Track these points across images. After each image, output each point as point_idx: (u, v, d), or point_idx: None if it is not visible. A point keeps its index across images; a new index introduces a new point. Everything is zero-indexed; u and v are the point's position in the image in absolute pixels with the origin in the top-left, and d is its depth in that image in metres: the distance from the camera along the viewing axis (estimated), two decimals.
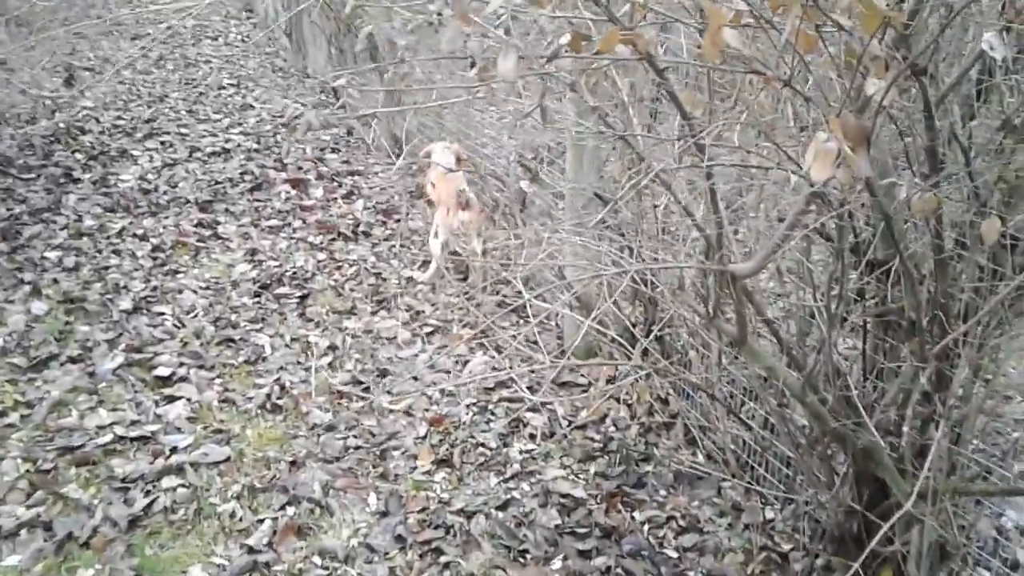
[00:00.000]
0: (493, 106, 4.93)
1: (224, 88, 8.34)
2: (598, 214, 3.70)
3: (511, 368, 3.66)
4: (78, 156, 6.01)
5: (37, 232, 4.74)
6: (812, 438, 2.51)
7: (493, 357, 3.79)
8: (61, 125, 6.56)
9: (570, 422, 3.31)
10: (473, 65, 1.38)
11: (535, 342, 3.93)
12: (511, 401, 3.47)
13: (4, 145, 6.01)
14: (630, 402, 3.42)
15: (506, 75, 1.21)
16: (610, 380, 3.59)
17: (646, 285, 3.07)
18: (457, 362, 3.79)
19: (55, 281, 4.21)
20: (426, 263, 4.60)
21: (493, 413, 3.40)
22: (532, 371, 3.70)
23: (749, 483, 2.93)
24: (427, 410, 3.42)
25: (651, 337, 3.16)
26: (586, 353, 3.71)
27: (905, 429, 1.93)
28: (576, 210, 3.61)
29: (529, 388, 3.50)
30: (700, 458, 3.12)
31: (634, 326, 3.38)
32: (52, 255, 4.51)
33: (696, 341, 3.06)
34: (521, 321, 4.11)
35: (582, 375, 3.68)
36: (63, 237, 4.74)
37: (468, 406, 3.43)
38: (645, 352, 3.14)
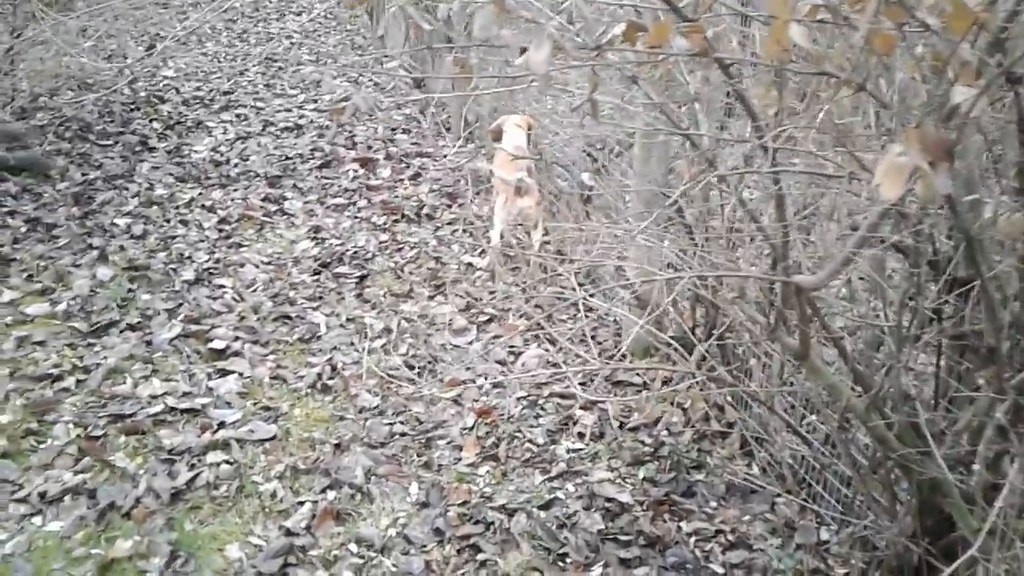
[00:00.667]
0: (569, 92, 4.82)
1: (303, 64, 8.40)
2: (663, 211, 3.59)
3: (564, 364, 3.57)
4: (155, 125, 6.12)
5: (110, 198, 4.83)
6: (875, 461, 2.37)
7: (547, 350, 3.71)
8: (142, 94, 6.69)
9: (622, 423, 3.21)
10: (522, 52, 1.30)
11: (593, 337, 3.85)
12: (562, 397, 3.39)
13: (85, 111, 6.15)
14: (685, 406, 3.30)
15: (537, 68, 1.13)
16: (666, 382, 3.48)
17: (707, 288, 2.95)
18: (511, 353, 3.72)
19: (122, 248, 4.28)
20: (485, 251, 4.54)
21: (543, 408, 3.32)
22: (585, 367, 3.61)
23: (805, 501, 2.79)
24: (476, 400, 3.36)
25: (710, 342, 3.03)
26: (644, 352, 3.61)
27: (976, 466, 1.79)
28: (641, 206, 3.49)
29: (582, 384, 3.42)
30: (755, 470, 2.99)
31: (694, 329, 3.26)
32: (121, 222, 4.59)
33: (758, 349, 2.94)
34: (579, 314, 4.02)
35: (637, 374, 3.57)
36: (134, 204, 4.82)
37: (518, 399, 3.36)
38: (703, 357, 3.02)
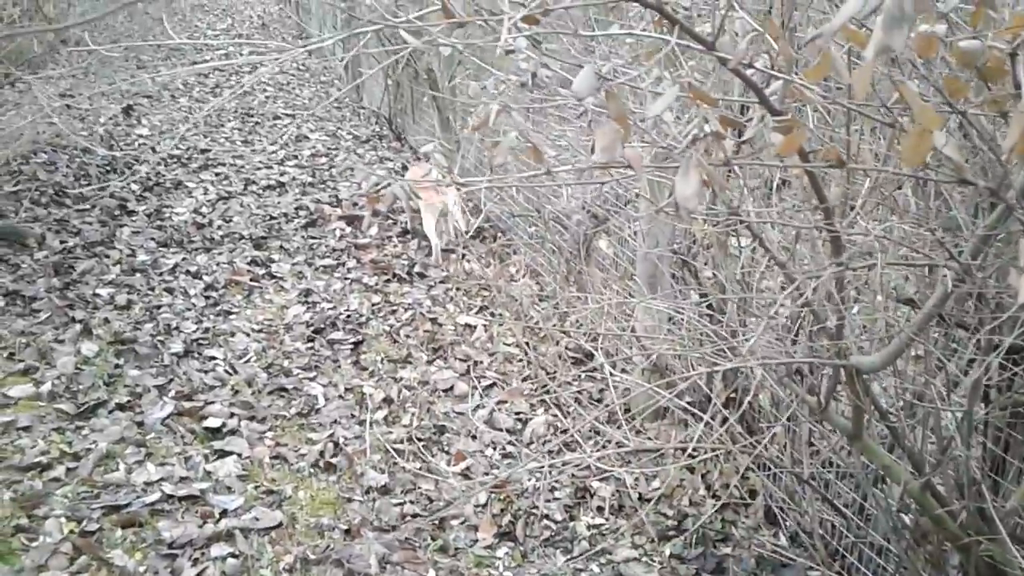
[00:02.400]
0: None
1: (279, 118, 8.31)
2: (674, 272, 3.52)
3: (574, 429, 3.46)
4: (133, 187, 5.97)
5: (90, 267, 4.66)
6: (918, 533, 2.28)
7: (555, 416, 3.59)
8: (117, 154, 6.54)
9: (640, 495, 3.09)
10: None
11: (599, 400, 3.75)
12: (576, 466, 3.27)
13: (60, 174, 6.00)
14: (703, 474, 3.20)
15: (635, 165, 1.04)
16: (683, 450, 3.37)
17: (731, 353, 2.86)
18: (518, 419, 3.60)
19: (106, 320, 4.11)
20: (477, 308, 4.44)
21: (557, 480, 3.20)
22: (597, 433, 3.50)
23: (838, 574, 2.69)
24: (487, 473, 3.23)
25: (729, 407, 2.94)
26: (653, 416, 3.50)
27: None
28: (649, 266, 3.42)
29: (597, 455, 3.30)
30: (782, 541, 2.89)
31: (709, 393, 3.17)
32: (104, 292, 4.42)
33: (781, 413, 2.85)
34: (583, 375, 3.92)
35: (649, 438, 3.46)
36: (116, 272, 4.66)
37: (531, 472, 3.23)
38: (723, 422, 2.92)
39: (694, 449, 3.27)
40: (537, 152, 1.65)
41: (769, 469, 3.03)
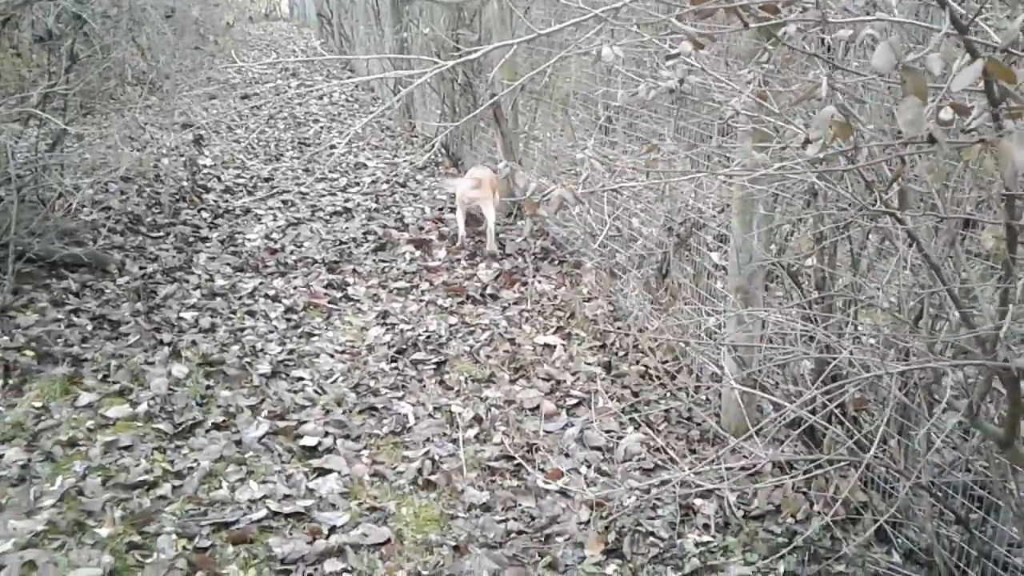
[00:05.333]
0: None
1: (335, 146, 8.43)
2: (766, 286, 3.50)
3: (668, 447, 3.43)
4: (204, 215, 6.07)
5: (172, 292, 4.74)
6: None
7: (647, 434, 3.57)
8: (185, 184, 6.67)
9: (745, 512, 3.06)
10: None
11: (689, 418, 3.72)
12: (680, 484, 3.23)
13: (132, 203, 6.12)
14: (806, 489, 3.15)
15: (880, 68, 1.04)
16: (779, 465, 3.33)
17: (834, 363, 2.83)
18: (609, 438, 3.58)
19: (193, 343, 4.17)
20: (556, 325, 4.43)
21: (658, 498, 3.17)
22: (692, 451, 3.47)
23: None
24: (583, 491, 3.21)
25: (832, 420, 2.90)
26: (745, 431, 3.46)
27: None
28: (739, 282, 3.40)
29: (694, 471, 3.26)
30: (896, 558, 2.83)
31: (812, 405, 3.13)
32: (188, 315, 4.48)
33: (891, 428, 2.80)
34: (669, 394, 3.90)
35: (745, 456, 3.42)
36: (197, 296, 4.73)
37: (630, 489, 3.20)
38: (823, 435, 2.88)
39: (796, 464, 3.24)
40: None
41: (878, 485, 2.98)
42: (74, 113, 5.60)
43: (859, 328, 2.76)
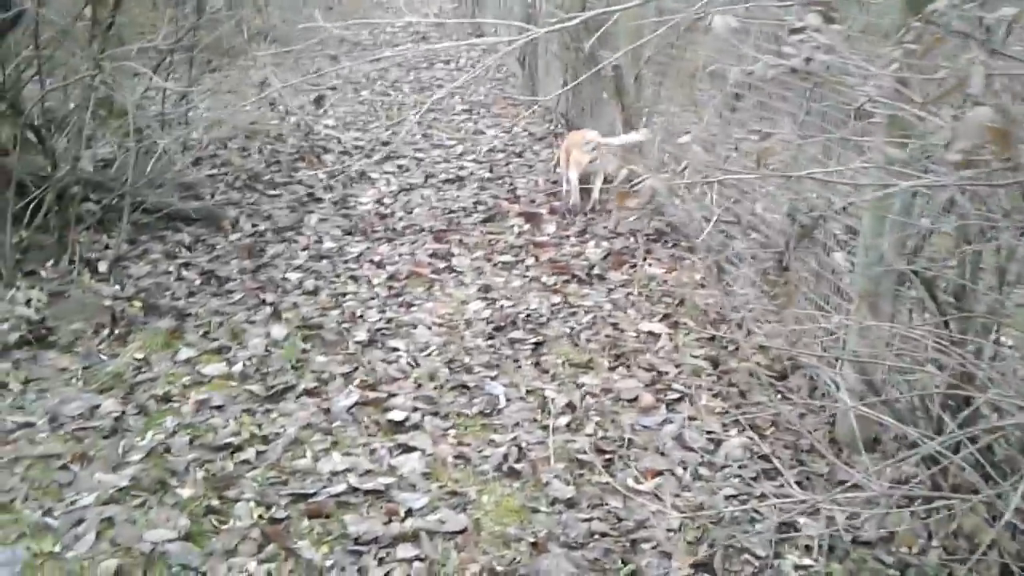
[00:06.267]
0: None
1: (457, 114, 8.35)
2: (896, 291, 3.17)
3: (773, 454, 3.18)
4: (320, 176, 6.10)
5: (280, 251, 4.76)
6: None
7: (751, 439, 3.32)
8: (305, 144, 6.73)
9: (854, 536, 2.79)
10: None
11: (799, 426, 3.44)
12: (777, 497, 2.99)
13: (253, 160, 6.20)
14: (926, 517, 2.85)
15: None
16: (897, 482, 3.03)
17: (970, 381, 2.52)
18: (709, 439, 3.35)
19: (295, 305, 4.16)
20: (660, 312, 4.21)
21: (757, 511, 2.93)
22: (800, 463, 3.21)
23: None
24: (677, 495, 3.01)
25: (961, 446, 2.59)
26: (865, 445, 3.17)
27: None
28: (869, 283, 3.09)
29: (798, 483, 3.01)
30: None
31: (938, 423, 2.82)
32: (293, 276, 4.49)
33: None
34: (780, 396, 3.63)
35: (860, 473, 3.13)
36: (303, 258, 4.74)
37: (727, 498, 2.98)
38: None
39: (914, 489, 2.93)
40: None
41: (1010, 523, 2.66)
42: (200, 69, 5.69)
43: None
